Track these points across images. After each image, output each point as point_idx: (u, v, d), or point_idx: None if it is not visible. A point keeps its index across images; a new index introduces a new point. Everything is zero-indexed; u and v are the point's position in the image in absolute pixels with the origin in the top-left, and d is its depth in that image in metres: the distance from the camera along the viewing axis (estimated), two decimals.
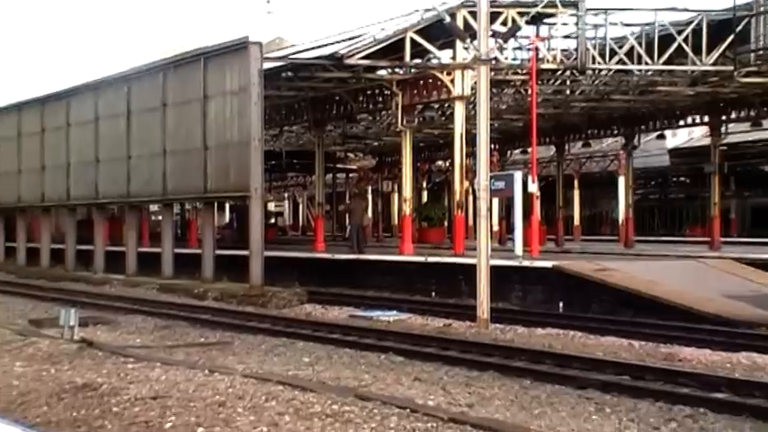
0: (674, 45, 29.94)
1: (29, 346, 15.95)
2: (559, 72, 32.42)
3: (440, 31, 27.73)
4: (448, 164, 52.09)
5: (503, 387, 13.65)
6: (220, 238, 37.09)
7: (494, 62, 25.49)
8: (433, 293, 28.01)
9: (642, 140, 46.34)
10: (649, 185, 61.99)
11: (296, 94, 36.96)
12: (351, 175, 67.54)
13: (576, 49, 29.99)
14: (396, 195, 57.67)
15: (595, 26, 30.19)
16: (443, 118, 38.67)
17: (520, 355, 16.35)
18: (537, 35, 30.69)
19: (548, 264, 25.54)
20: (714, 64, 30.58)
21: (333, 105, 38.27)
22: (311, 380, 13.30)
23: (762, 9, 29.11)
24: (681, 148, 57.58)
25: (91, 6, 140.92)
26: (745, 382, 13.37)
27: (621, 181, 47.55)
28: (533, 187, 28.47)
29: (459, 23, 27.20)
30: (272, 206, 73.54)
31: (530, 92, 30.99)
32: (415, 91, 31.68)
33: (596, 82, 34.01)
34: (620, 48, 30.08)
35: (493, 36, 23.40)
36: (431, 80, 30.82)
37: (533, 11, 28.91)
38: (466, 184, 33.95)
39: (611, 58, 30.16)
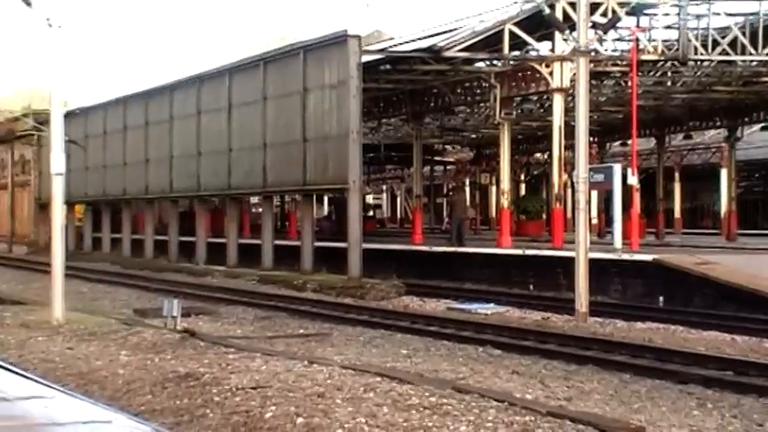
0: None
1: (134, 335, 16.26)
2: (660, 63, 31.95)
3: (539, 23, 27.56)
4: (546, 156, 51.66)
5: (602, 381, 13.56)
6: (319, 231, 37.36)
7: (593, 54, 25.23)
8: (531, 286, 27.87)
9: (746, 132, 45.36)
10: (753, 178, 60.64)
11: (394, 87, 37.03)
12: (448, 167, 67.43)
13: (678, 40, 29.51)
14: (493, 188, 57.38)
15: (698, 16, 29.67)
16: (542, 110, 38.41)
17: (619, 348, 16.22)
18: (637, 26, 30.30)
19: (647, 257, 25.22)
20: None
21: (431, 98, 38.28)
22: (409, 372, 13.33)
23: None
24: None
25: (192, 0, 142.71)
26: None
27: (724, 173, 46.62)
28: (633, 180, 28.11)
29: (559, 15, 26.95)
30: (370, 198, 73.79)
31: (630, 83, 30.61)
32: (514, 83, 31.53)
33: (698, 73, 33.43)
34: (723, 38, 29.50)
35: (592, 27, 23.20)
36: (529, 72, 30.63)
37: (634, 1, 28.50)
38: (564, 176, 33.68)
39: (713, 49, 29.59)
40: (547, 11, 25.11)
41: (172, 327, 17.10)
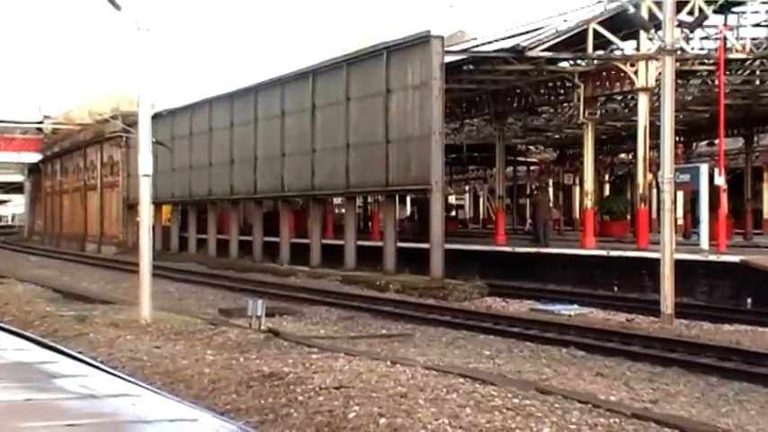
0: None
1: (219, 335, 16.45)
2: (749, 62, 31.44)
3: (623, 22, 27.31)
4: (631, 156, 51.14)
5: (688, 384, 13.41)
6: (401, 231, 37.41)
7: (679, 52, 24.93)
8: (615, 288, 27.62)
9: None
10: None
11: (477, 88, 36.95)
12: (531, 168, 67.11)
13: (767, 38, 29.03)
14: (577, 188, 56.97)
15: None
16: (626, 110, 38.06)
17: (706, 351, 16.01)
18: (725, 24, 29.86)
19: (735, 258, 24.85)
20: None
21: (514, 98, 38.11)
22: (492, 373, 13.33)
23: None
24: None
25: (275, 2, 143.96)
26: None
27: None
28: (720, 180, 27.72)
29: (644, 14, 26.71)
30: (452, 199, 73.68)
31: (717, 82, 30.18)
32: (598, 83, 31.28)
33: None
34: None
35: (679, 26, 22.94)
36: (614, 71, 30.37)
37: None
38: (649, 176, 33.30)
39: None
40: (632, 10, 24.88)
41: (256, 326, 17.28)
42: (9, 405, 7.47)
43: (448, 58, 29.20)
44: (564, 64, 32.58)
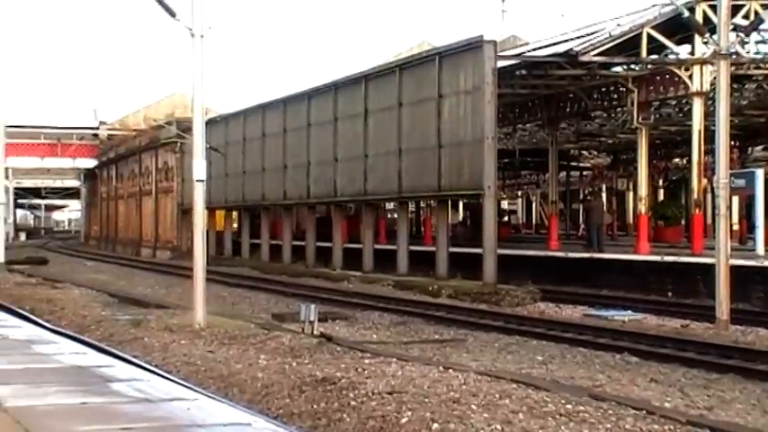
0: None
1: (272, 339, 16.54)
2: None
3: (677, 26, 27.14)
4: (685, 161, 50.72)
5: (744, 390, 13.28)
6: (454, 236, 37.36)
7: (734, 57, 24.66)
8: (670, 293, 27.42)
9: None
10: None
11: (530, 92, 36.87)
12: (585, 173, 66.76)
13: None
14: (630, 193, 56.59)
15: None
16: (681, 114, 37.74)
17: (762, 357, 15.84)
18: None
19: None
20: None
21: (566, 103, 37.97)
22: (545, 378, 13.28)
23: None
24: None
25: (328, 6, 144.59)
26: None
27: None
28: None
29: (699, 17, 26.52)
30: (505, 204, 73.48)
31: None
32: (652, 87, 31.09)
33: None
34: None
35: (734, 30, 22.75)
36: (668, 76, 30.17)
37: None
38: (704, 182, 33.05)
39: None
40: (686, 14, 24.66)
41: (309, 331, 17.34)
42: (66, 408, 7.59)
43: (500, 63, 29.14)
44: (617, 68, 32.39)
